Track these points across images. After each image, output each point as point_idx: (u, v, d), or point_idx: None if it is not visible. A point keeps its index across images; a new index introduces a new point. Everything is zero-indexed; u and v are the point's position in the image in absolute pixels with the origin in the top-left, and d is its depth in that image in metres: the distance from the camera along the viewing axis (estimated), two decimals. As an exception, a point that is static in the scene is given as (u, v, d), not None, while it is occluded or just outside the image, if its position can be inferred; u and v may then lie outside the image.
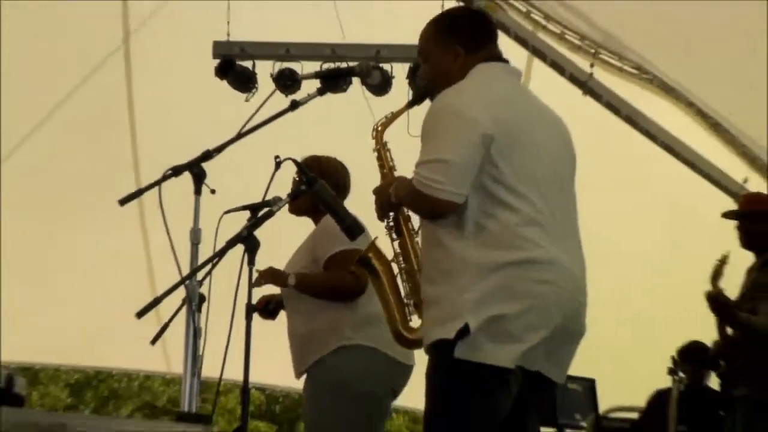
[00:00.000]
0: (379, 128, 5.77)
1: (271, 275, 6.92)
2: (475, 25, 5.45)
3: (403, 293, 5.54)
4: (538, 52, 11.39)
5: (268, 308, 7.13)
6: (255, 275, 5.93)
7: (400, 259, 5.54)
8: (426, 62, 5.46)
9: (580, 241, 5.22)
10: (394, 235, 5.61)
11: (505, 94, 5.18)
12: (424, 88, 5.81)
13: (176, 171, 5.42)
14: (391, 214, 5.53)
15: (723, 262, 8.02)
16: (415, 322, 5.42)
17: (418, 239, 5.42)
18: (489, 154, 4.81)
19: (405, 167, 5.50)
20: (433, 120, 4.96)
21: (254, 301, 6.32)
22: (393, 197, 5.21)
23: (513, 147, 4.91)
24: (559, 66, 11.31)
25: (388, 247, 5.64)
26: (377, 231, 6.06)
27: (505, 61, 5.37)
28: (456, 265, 4.88)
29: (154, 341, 5.31)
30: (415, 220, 5.43)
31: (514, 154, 4.90)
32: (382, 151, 5.76)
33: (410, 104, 5.65)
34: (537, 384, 4.99)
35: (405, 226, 5.53)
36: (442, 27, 5.37)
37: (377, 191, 5.42)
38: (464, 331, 4.66)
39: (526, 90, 5.77)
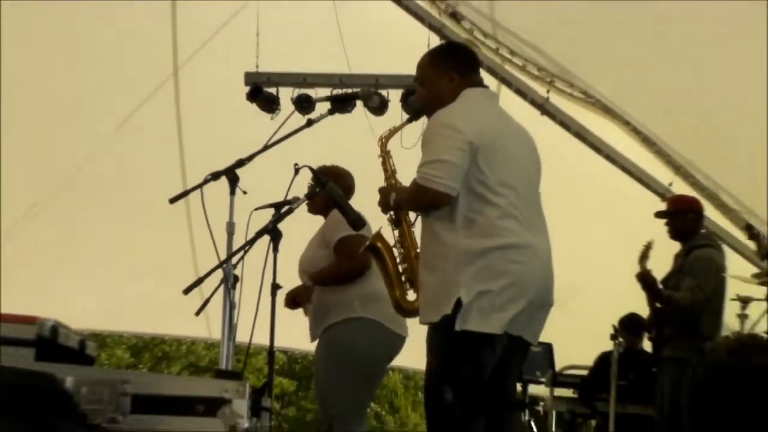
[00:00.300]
0: (384, 140, 6.33)
1: (294, 295, 7.60)
2: (466, 55, 6.13)
3: (401, 272, 6.09)
4: (505, 80, 12.58)
5: (295, 302, 7.70)
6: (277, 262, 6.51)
7: (399, 245, 6.11)
8: (423, 86, 5.94)
9: (547, 230, 5.78)
10: (394, 226, 6.19)
11: (487, 114, 5.79)
12: (419, 109, 6.28)
13: (215, 176, 5.97)
14: (389, 211, 6.25)
15: (648, 247, 8.93)
16: (411, 296, 5.91)
17: (414, 228, 6.02)
18: (475, 162, 5.43)
19: (401, 171, 6.17)
20: (431, 132, 5.61)
21: (276, 281, 6.76)
22: (392, 201, 5.83)
23: (494, 156, 5.52)
24: (521, 92, 12.56)
25: (390, 236, 6.20)
26: (380, 222, 6.42)
27: (486, 87, 6.10)
28: (449, 253, 5.51)
29: (198, 313, 5.97)
30: (412, 215, 6.12)
31: (496, 162, 5.50)
32: (386, 158, 6.31)
33: (408, 121, 6.32)
34: (517, 347, 5.64)
35: (403, 218, 6.08)
36: (439, 56, 5.97)
37: (381, 190, 6.05)
38: (458, 305, 5.29)
39: (502, 110, 6.09)
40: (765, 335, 8.17)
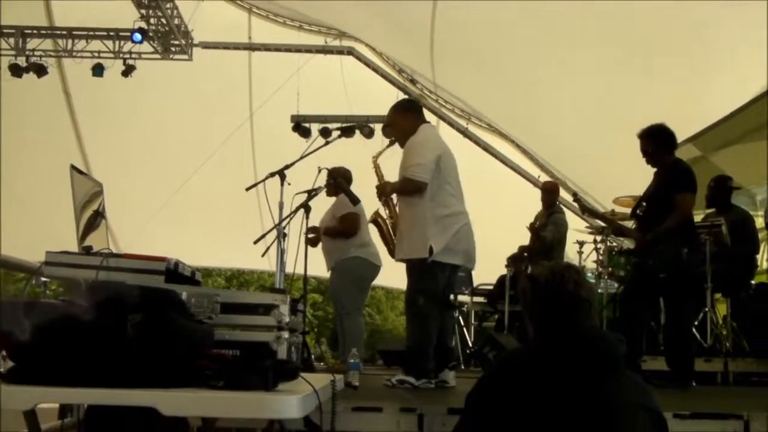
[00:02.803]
0: (375, 158, 7.58)
1: (313, 231, 8.61)
2: (417, 105, 7.10)
3: (392, 233, 7.51)
4: (441, 117, 16.49)
5: (311, 236, 8.51)
6: (308, 229, 7.78)
7: (389, 218, 7.64)
8: (392, 127, 6.98)
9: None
10: (385, 207, 7.72)
11: (438, 139, 6.77)
12: (394, 140, 7.05)
13: (272, 174, 7.22)
14: (383, 198, 7.39)
15: (534, 223, 11.45)
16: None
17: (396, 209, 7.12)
18: (438, 166, 6.40)
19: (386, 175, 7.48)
20: (409, 149, 6.52)
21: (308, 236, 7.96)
22: (389, 189, 6.92)
23: (445, 163, 6.49)
24: (451, 124, 16.55)
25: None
26: (368, 201, 8.21)
27: (430, 122, 6.96)
28: (421, 218, 6.46)
29: (263, 255, 7.37)
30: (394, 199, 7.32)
31: (446, 167, 6.52)
32: (377, 168, 7.48)
33: (389, 146, 7.24)
34: (455, 271, 6.77)
35: (389, 202, 7.41)
36: (403, 107, 6.97)
37: (378, 186, 7.15)
38: (431, 251, 6.35)
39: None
40: (579, 264, 9.77)
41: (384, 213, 7.89)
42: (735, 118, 11.40)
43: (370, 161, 7.74)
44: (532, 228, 11.17)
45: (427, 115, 8.59)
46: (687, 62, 11.71)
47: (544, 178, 14.97)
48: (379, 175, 7.17)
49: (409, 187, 6.42)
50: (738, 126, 11.33)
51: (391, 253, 7.44)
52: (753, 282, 9.02)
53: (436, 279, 6.37)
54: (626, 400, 2.97)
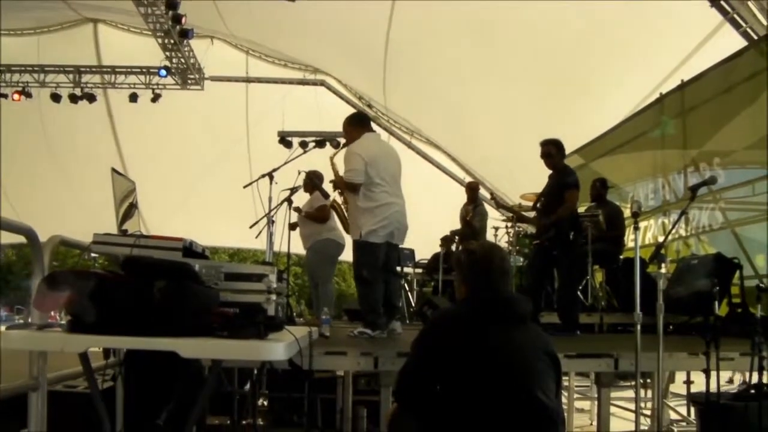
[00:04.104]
0: (331, 158, 7.06)
1: (297, 211, 8.43)
2: (364, 118, 6.73)
3: (346, 216, 7.13)
4: (392, 132, 16.44)
5: (294, 225, 8.44)
6: (292, 217, 7.93)
7: (344, 204, 7.27)
8: (345, 134, 6.55)
9: (403, 196, 6.39)
10: (340, 195, 7.51)
11: (375, 145, 6.34)
12: (344, 145, 6.61)
13: (263, 175, 7.46)
14: (338, 190, 7.18)
15: (463, 218, 10.89)
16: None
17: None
18: (366, 169, 6.07)
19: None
20: (346, 156, 6.20)
21: (290, 221, 8.15)
22: (340, 185, 6.65)
23: (375, 165, 6.09)
24: (398, 137, 16.48)
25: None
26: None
27: (375, 132, 6.56)
28: (358, 209, 6.20)
29: (257, 237, 7.67)
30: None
31: (379, 167, 6.12)
32: (333, 165, 6.99)
33: (342, 147, 6.75)
34: (392, 248, 6.37)
35: (344, 193, 6.94)
36: (353, 119, 6.54)
37: (333, 181, 6.97)
38: (360, 234, 6.13)
39: (383, 142, 7.01)
40: (505, 244, 9.83)
41: (339, 200, 7.85)
42: (608, 136, 11.56)
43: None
44: (464, 219, 11.04)
45: (380, 131, 8.62)
46: (575, 95, 11.90)
47: (468, 179, 15.08)
48: (335, 170, 6.87)
49: (347, 187, 6.24)
50: (611, 141, 11.47)
51: (347, 230, 7.35)
52: (621, 257, 9.09)
53: (373, 254, 6.13)
54: (532, 344, 3.01)
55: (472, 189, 11.37)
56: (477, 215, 10.74)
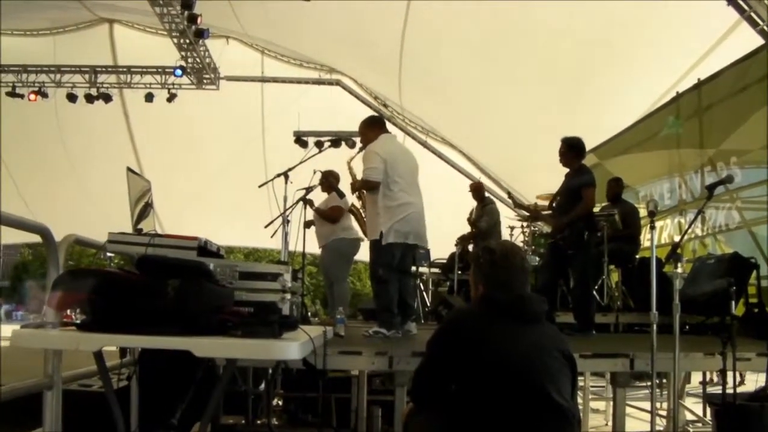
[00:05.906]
0: (349, 162, 7.40)
1: (310, 205, 8.36)
2: (380, 119, 6.74)
3: (364, 218, 7.10)
4: (407, 132, 16.36)
5: (309, 223, 8.47)
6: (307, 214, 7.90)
7: (362, 207, 7.36)
8: (360, 136, 6.58)
9: (421, 196, 6.38)
10: (359, 199, 7.65)
11: (390, 145, 6.37)
12: (362, 147, 6.62)
13: (279, 175, 7.38)
14: (356, 192, 7.29)
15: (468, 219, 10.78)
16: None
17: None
18: (386, 168, 6.08)
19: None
20: (365, 156, 6.22)
21: (306, 219, 8.19)
22: (359, 186, 6.61)
23: (394, 165, 6.11)
24: (414, 137, 16.28)
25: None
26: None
27: (390, 133, 6.62)
28: (377, 209, 6.18)
29: (272, 236, 7.54)
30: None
31: (397, 166, 6.14)
32: (351, 169, 7.29)
33: (359, 151, 6.68)
34: (409, 249, 6.35)
35: (361, 195, 7.21)
36: (368, 122, 6.57)
37: (352, 184, 6.85)
38: (381, 234, 6.10)
39: (399, 143, 6.96)
40: (521, 244, 9.65)
41: (357, 203, 7.93)
42: (623, 136, 11.53)
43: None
44: (469, 221, 10.99)
45: (395, 130, 8.58)
46: (591, 94, 11.91)
47: (484, 178, 15.04)
48: (352, 174, 6.96)
49: (366, 185, 6.22)
50: (625, 141, 11.41)
51: (365, 233, 7.21)
52: (637, 257, 9.02)
53: (390, 253, 6.10)
54: (548, 344, 2.97)
55: (475, 189, 11.30)
56: (485, 215, 10.67)
